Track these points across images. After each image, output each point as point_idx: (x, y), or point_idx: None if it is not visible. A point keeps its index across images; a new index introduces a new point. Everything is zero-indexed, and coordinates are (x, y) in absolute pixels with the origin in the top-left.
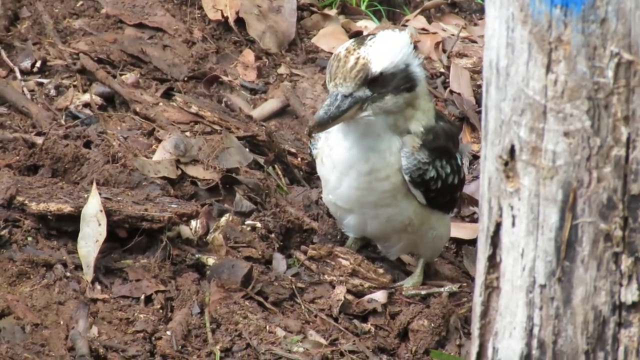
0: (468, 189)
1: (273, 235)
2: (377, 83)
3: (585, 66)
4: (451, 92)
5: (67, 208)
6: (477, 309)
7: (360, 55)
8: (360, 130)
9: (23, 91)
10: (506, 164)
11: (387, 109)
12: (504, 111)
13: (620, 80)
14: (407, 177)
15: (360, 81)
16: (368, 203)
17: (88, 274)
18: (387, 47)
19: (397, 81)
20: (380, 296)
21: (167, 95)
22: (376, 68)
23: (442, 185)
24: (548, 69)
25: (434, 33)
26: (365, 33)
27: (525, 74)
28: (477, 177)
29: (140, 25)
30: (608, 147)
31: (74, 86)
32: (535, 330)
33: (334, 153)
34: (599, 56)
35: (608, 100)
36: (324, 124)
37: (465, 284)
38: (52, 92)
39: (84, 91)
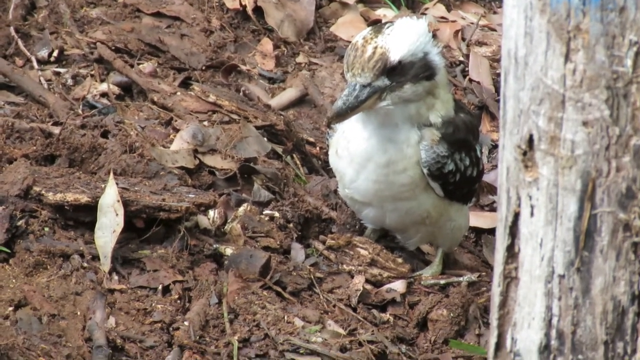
0: (487, 177)
1: (291, 224)
2: (395, 72)
3: (604, 55)
4: (470, 80)
5: (84, 198)
6: (496, 299)
7: (378, 44)
8: (379, 120)
9: (40, 81)
10: (524, 153)
11: (406, 98)
12: (522, 101)
13: (639, 69)
14: (425, 171)
15: (378, 71)
16: (386, 197)
17: (105, 265)
18: (405, 35)
19: (416, 69)
20: (399, 286)
21: (185, 84)
22: (394, 57)
23: (460, 178)
24: (567, 58)
25: (453, 21)
26: (384, 21)
27: (544, 63)
28: (496, 166)
29: (158, 14)
30: (627, 137)
31: (91, 76)
32: (554, 321)
33: (352, 145)
34: (617, 45)
35: (627, 89)
36: (342, 115)
37: (484, 273)
38: (69, 82)
39: (102, 81)
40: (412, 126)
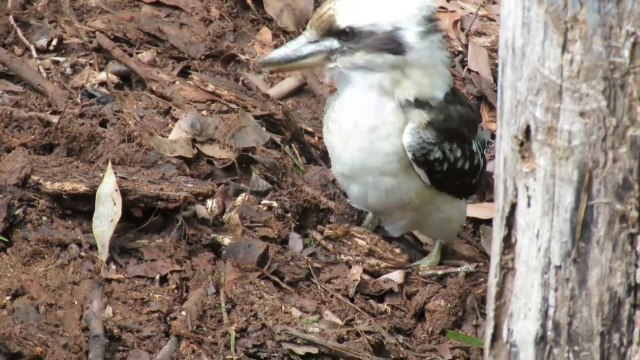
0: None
1: (289, 214)
2: (347, 37)
3: (601, 46)
4: (469, 70)
5: (82, 187)
6: (492, 290)
7: (332, 6)
8: (350, 85)
9: (39, 70)
10: (522, 144)
11: (361, 65)
12: (519, 91)
13: (636, 59)
14: (410, 155)
15: (322, 31)
16: (371, 168)
17: (103, 254)
18: (370, 5)
19: (376, 41)
20: (396, 276)
21: (184, 73)
22: (342, 22)
23: (449, 168)
24: (564, 48)
25: (453, 11)
26: None
27: (541, 53)
28: (494, 157)
29: (157, 3)
30: (624, 127)
31: (90, 65)
32: (551, 312)
33: (339, 115)
34: (615, 36)
35: (624, 80)
36: (273, 63)
37: (482, 264)
38: (68, 71)
39: (100, 70)
40: (382, 94)
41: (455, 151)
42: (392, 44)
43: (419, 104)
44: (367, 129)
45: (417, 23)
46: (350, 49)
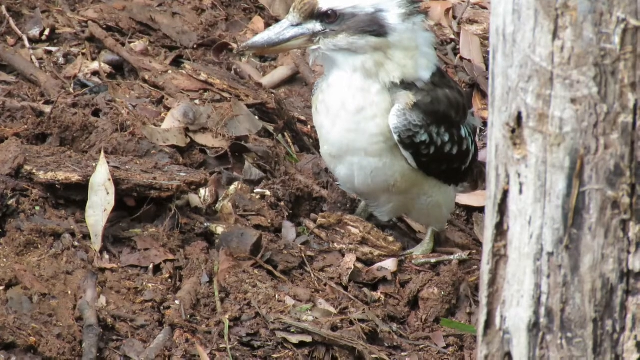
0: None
1: (282, 203)
2: (330, 19)
3: (592, 32)
4: (461, 58)
5: (75, 177)
6: (485, 277)
7: None
8: (336, 67)
9: (31, 59)
10: (513, 131)
11: (343, 47)
12: (510, 78)
13: (627, 46)
14: (395, 137)
15: (305, 14)
16: (357, 149)
17: (96, 244)
18: None
19: (358, 23)
20: (390, 264)
21: (176, 63)
22: (324, 4)
23: (436, 152)
24: (554, 35)
25: None
26: None
27: (532, 40)
28: (486, 144)
29: None
30: (615, 114)
31: (83, 54)
32: (543, 299)
33: (327, 96)
34: (605, 22)
35: (615, 66)
36: (257, 47)
37: (475, 251)
38: (61, 61)
39: (93, 59)
40: (367, 76)
41: (442, 135)
42: (374, 26)
43: (406, 85)
44: (353, 110)
45: (398, 5)
46: (332, 31)
